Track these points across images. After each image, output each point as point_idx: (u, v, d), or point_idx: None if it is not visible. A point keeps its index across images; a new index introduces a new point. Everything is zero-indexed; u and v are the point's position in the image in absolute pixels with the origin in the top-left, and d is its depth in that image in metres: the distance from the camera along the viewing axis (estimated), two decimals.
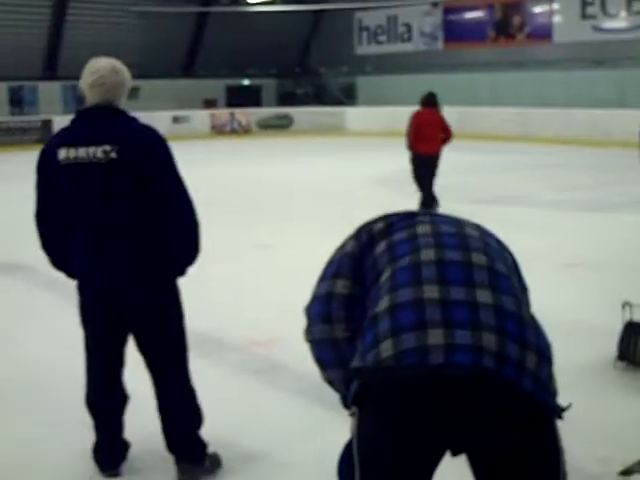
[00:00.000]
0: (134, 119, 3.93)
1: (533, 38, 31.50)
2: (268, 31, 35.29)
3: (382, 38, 37.11)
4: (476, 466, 2.48)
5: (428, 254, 2.58)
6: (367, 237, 2.84)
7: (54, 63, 33.15)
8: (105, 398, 4.21)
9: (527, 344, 2.36)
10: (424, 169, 12.26)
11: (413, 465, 2.41)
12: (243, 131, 34.07)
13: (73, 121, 3.95)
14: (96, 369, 4.17)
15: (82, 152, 3.77)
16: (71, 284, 4.18)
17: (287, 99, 38.43)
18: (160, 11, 32.29)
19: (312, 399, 5.28)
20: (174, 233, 3.91)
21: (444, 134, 12.41)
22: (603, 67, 27.33)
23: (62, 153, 3.81)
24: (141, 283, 3.91)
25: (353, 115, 33.84)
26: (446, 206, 13.62)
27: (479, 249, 2.63)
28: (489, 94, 30.29)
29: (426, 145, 12.16)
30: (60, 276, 4.27)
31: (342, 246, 2.90)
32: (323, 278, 2.87)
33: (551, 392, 2.40)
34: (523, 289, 2.71)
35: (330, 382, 2.96)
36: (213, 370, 5.85)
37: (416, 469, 2.43)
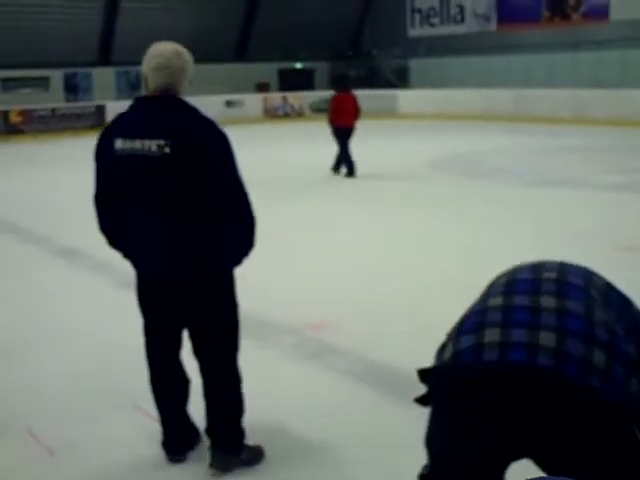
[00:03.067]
0: (194, 110, 3.86)
1: (589, 17, 30.98)
2: (320, 14, 35.22)
3: (435, 20, 36.84)
4: (544, 466, 2.40)
5: (502, 279, 2.67)
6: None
7: (108, 49, 33.42)
8: (166, 383, 4.22)
9: (595, 341, 2.28)
10: (342, 138, 15.98)
11: (476, 462, 2.40)
12: (296, 115, 34.08)
13: (131, 107, 3.93)
14: (154, 354, 4.19)
15: (138, 144, 3.77)
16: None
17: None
18: None
19: (365, 382, 5.27)
20: (231, 230, 3.92)
21: (356, 111, 16.00)
22: None
23: (118, 143, 3.83)
24: (189, 272, 3.91)
25: (405, 98, 33.65)
26: (509, 190, 13.55)
27: (552, 268, 2.62)
28: (544, 75, 29.91)
29: (342, 119, 15.89)
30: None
31: None
32: None
33: (628, 392, 2.26)
34: (624, 305, 2.62)
35: None
36: (268, 353, 5.87)
37: (480, 467, 2.41)
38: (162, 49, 3.91)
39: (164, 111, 3.83)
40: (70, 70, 32.36)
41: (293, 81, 36.37)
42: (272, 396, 5.02)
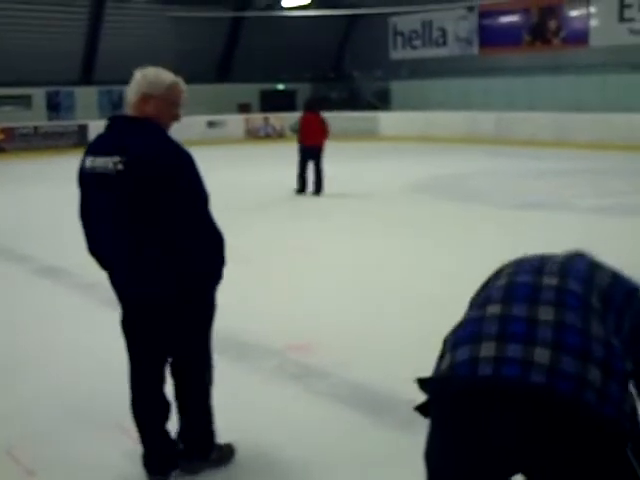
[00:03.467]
0: (158, 131, 3.89)
1: (569, 42, 31.25)
2: (302, 36, 35.36)
3: (417, 43, 37.04)
4: None
5: (503, 279, 2.66)
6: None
7: (90, 68, 33.42)
8: (145, 406, 4.21)
9: (591, 358, 2.29)
10: (309, 157, 16.44)
11: (471, 477, 2.41)
12: (277, 135, 34.11)
13: (105, 128, 4.01)
14: (134, 377, 4.19)
15: (100, 162, 3.84)
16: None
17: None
18: (195, 16, 32.44)
19: (347, 405, 5.26)
20: (190, 251, 3.89)
21: (324, 132, 16.54)
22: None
23: (87, 161, 3.93)
24: (157, 293, 3.93)
25: (386, 120, 33.78)
26: (491, 212, 13.60)
27: (553, 273, 2.60)
28: (526, 99, 30.10)
29: (309, 139, 16.42)
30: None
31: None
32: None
33: (622, 410, 2.27)
34: (627, 299, 2.62)
35: None
36: (250, 375, 5.85)
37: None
38: (137, 75, 3.99)
39: (129, 129, 3.90)
40: (53, 89, 32.33)
41: (275, 102, 36.43)
42: (252, 418, 5.01)
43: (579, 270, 2.65)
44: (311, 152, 16.40)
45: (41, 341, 6.93)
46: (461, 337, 2.46)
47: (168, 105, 3.95)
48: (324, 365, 6.05)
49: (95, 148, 3.93)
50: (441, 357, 2.52)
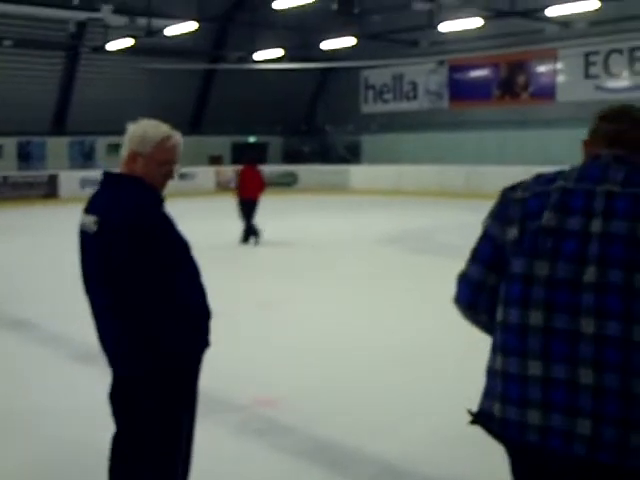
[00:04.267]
0: (134, 191, 3.68)
1: (537, 97, 31.74)
2: (274, 89, 35.58)
3: (388, 96, 37.40)
4: None
5: (540, 273, 2.52)
6: (504, 220, 2.72)
7: (62, 119, 33.41)
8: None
9: (631, 423, 2.35)
10: (247, 209, 16.94)
11: None
12: None
13: (99, 184, 3.90)
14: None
15: (85, 220, 3.72)
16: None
17: (292, 157, 38.61)
18: (168, 68, 32.61)
19: (313, 461, 5.20)
20: (159, 326, 3.62)
21: (260, 185, 17.20)
22: None
23: (81, 218, 3.79)
24: (122, 363, 3.74)
25: (357, 173, 33.97)
26: (458, 266, 13.61)
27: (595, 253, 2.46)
28: (496, 152, 30.41)
29: (247, 192, 17.03)
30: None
31: (487, 224, 2.84)
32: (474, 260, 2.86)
33: None
34: None
35: None
36: (214, 430, 5.77)
37: None
38: (133, 126, 3.84)
39: (109, 187, 3.77)
40: (24, 138, 32.30)
41: (246, 155, 36.51)
42: (214, 475, 4.94)
43: (620, 228, 2.46)
44: (249, 204, 16.99)
45: (3, 401, 6.80)
46: (508, 395, 2.51)
47: (158, 164, 3.75)
48: (289, 420, 5.99)
49: (86, 205, 3.80)
50: (488, 393, 2.61)
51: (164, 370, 3.65)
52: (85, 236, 3.71)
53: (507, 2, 25.31)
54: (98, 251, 3.63)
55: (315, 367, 7.50)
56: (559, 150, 28.21)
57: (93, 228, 3.63)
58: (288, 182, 34.50)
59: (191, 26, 26.86)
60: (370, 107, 38.10)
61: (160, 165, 3.77)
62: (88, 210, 3.74)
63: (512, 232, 2.62)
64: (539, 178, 2.76)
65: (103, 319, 3.74)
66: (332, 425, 5.84)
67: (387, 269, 13.47)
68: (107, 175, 3.83)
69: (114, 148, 31.99)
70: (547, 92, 31.35)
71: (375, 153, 35.41)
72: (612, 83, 29.36)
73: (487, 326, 2.74)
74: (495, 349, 2.58)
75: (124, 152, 3.78)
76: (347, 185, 33.49)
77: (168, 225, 3.64)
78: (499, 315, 2.57)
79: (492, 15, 26.42)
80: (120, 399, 3.80)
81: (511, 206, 2.70)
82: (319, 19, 30.28)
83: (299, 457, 5.28)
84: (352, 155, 37.18)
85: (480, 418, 2.57)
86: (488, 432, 2.55)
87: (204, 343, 3.78)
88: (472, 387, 6.01)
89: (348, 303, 10.59)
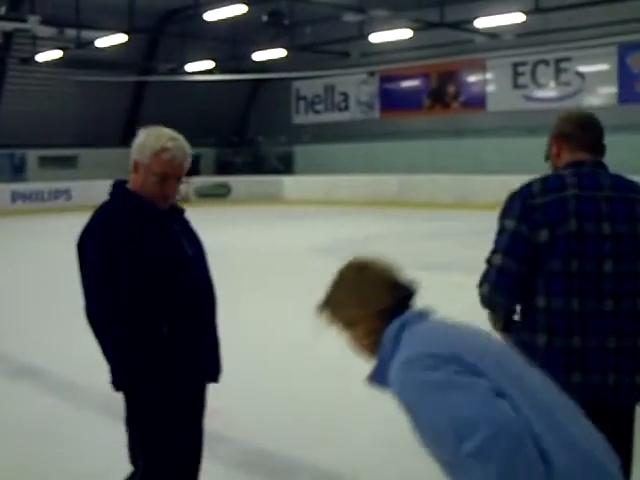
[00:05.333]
0: (108, 204, 3.58)
1: (467, 107, 32.14)
2: (206, 100, 35.47)
3: (319, 107, 37.52)
4: None
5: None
6: (532, 223, 3.29)
7: None
8: None
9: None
10: None
11: None
12: (182, 200, 33.83)
13: None
14: None
15: None
16: None
17: (225, 168, 38.51)
18: (99, 80, 32.30)
19: (251, 471, 5.20)
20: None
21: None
22: (535, 135, 27.88)
23: None
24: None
25: (290, 184, 34.00)
26: None
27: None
28: (427, 162, 30.68)
29: None
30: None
31: (512, 225, 3.39)
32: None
33: None
34: None
35: None
36: None
37: None
38: (140, 132, 3.70)
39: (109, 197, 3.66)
40: None
41: None
42: None
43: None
44: None
45: None
46: None
47: (154, 176, 3.55)
48: (228, 431, 5.98)
49: None
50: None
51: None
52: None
53: (437, 13, 25.59)
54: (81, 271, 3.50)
55: (252, 377, 7.49)
56: (490, 158, 28.64)
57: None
58: (221, 193, 34.41)
59: (121, 38, 26.63)
60: (302, 118, 38.19)
61: (156, 177, 3.55)
62: None
63: (543, 235, 3.22)
64: (544, 184, 3.35)
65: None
66: (271, 435, 5.85)
67: (319, 279, 13.42)
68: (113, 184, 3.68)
69: (46, 161, 31.60)
70: (477, 101, 31.77)
71: (308, 163, 35.49)
72: (540, 93, 29.86)
73: (505, 307, 3.41)
74: (535, 329, 3.24)
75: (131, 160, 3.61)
76: (281, 196, 33.51)
77: (100, 242, 3.43)
78: (540, 303, 3.23)
79: (422, 26, 26.68)
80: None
81: (536, 212, 3.26)
82: (250, 31, 30.26)
83: (238, 467, 5.28)
84: (285, 166, 37.21)
85: None
86: None
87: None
88: None
89: (280, 312, 10.60)
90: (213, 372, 3.89)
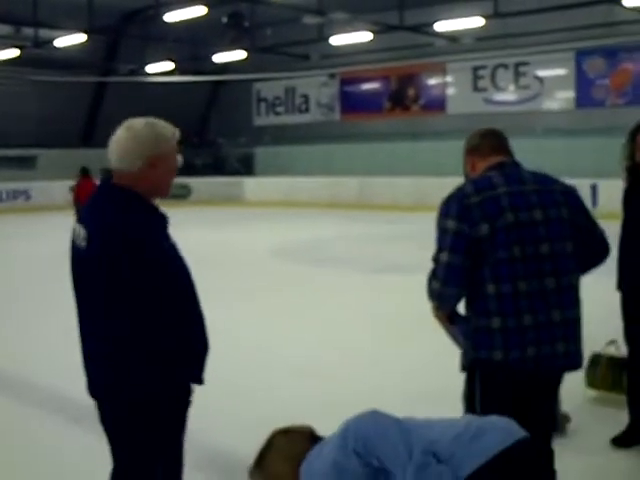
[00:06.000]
0: (119, 199, 3.47)
1: (427, 109, 32.32)
2: (167, 101, 35.22)
3: (280, 109, 37.52)
4: None
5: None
6: (471, 220, 3.63)
7: None
8: None
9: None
10: None
11: None
12: None
13: None
14: None
15: (77, 231, 3.41)
16: None
17: (186, 169, 37.98)
18: (58, 80, 32.04)
19: (206, 472, 5.20)
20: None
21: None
22: None
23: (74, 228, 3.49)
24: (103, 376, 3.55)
25: (251, 185, 33.97)
26: (348, 277, 13.76)
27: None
28: (387, 164, 30.79)
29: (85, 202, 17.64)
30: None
31: (452, 225, 3.68)
32: None
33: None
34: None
35: None
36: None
37: None
38: (121, 127, 3.59)
39: (100, 196, 3.56)
40: None
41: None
42: None
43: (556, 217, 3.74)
44: None
45: None
46: (509, 343, 3.63)
47: (174, 162, 3.71)
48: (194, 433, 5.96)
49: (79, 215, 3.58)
50: (484, 347, 3.71)
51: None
52: (74, 248, 3.43)
53: (397, 17, 25.69)
54: (87, 265, 3.35)
55: (217, 380, 7.47)
56: (449, 161, 28.70)
57: (83, 242, 3.34)
58: (181, 194, 34.25)
59: (80, 38, 26.45)
60: (263, 120, 38.18)
61: (177, 160, 3.67)
62: (79, 220, 3.47)
63: (483, 229, 3.55)
64: (475, 185, 3.72)
65: (86, 334, 3.49)
66: (225, 435, 5.86)
67: (278, 281, 13.48)
68: (102, 183, 3.65)
69: (3, 161, 31.20)
70: (437, 104, 31.96)
71: (268, 165, 35.48)
72: (499, 96, 30.14)
73: (455, 298, 3.75)
74: (489, 314, 3.58)
75: (131, 167, 3.55)
76: (241, 197, 33.46)
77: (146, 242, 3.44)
78: (490, 290, 3.56)
79: (382, 29, 26.78)
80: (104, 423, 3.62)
81: (473, 210, 3.58)
82: (210, 32, 30.22)
83: (191, 467, 5.28)
84: (245, 167, 37.15)
85: (478, 364, 3.66)
86: (486, 372, 3.63)
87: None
88: (379, 394, 6.11)
89: (235, 313, 10.58)
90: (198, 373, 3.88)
